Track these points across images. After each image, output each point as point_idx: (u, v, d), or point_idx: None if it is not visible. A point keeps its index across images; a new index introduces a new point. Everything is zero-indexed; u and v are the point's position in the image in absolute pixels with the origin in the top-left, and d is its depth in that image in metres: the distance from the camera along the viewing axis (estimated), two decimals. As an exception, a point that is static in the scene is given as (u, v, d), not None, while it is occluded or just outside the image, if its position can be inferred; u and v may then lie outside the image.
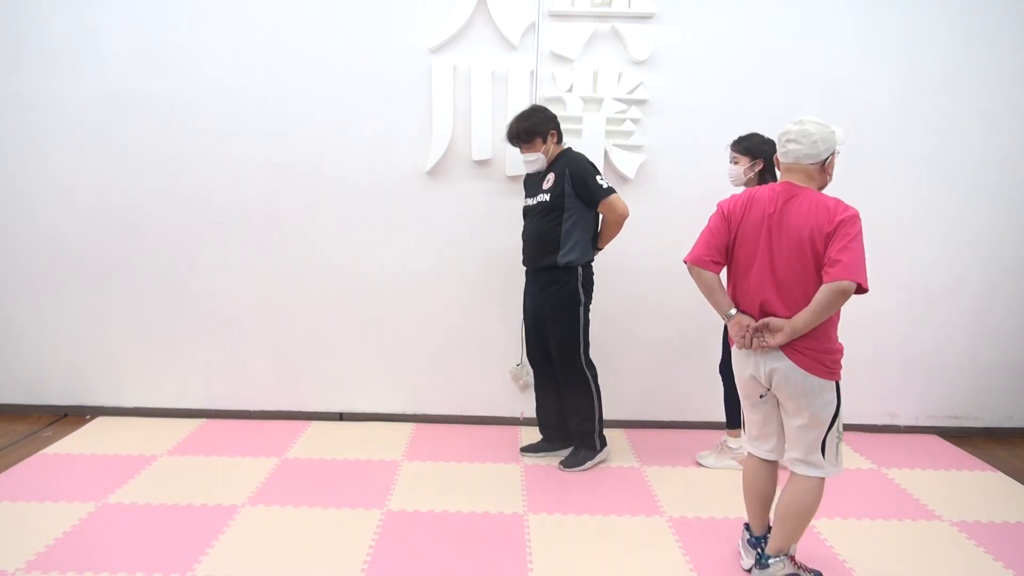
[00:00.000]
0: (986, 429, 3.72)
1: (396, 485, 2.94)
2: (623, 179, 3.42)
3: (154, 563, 2.30)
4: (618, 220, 2.95)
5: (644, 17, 3.31)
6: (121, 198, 3.46)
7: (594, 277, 3.08)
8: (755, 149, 2.82)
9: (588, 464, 3.12)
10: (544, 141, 2.96)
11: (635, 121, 3.38)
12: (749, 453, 2.34)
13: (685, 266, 2.23)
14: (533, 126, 2.93)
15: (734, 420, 3.08)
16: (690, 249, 2.22)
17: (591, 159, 3.37)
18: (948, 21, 3.35)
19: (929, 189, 3.49)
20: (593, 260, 3.06)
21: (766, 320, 2.12)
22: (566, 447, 3.21)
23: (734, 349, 2.25)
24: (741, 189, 2.65)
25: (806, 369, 2.17)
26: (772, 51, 3.36)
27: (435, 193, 3.46)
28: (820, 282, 2.08)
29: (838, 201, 2.06)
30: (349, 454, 3.23)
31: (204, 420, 3.62)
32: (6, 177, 3.45)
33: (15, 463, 3.05)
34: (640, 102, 3.37)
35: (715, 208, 2.26)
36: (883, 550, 2.51)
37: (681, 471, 3.14)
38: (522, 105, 3.34)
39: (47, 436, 3.39)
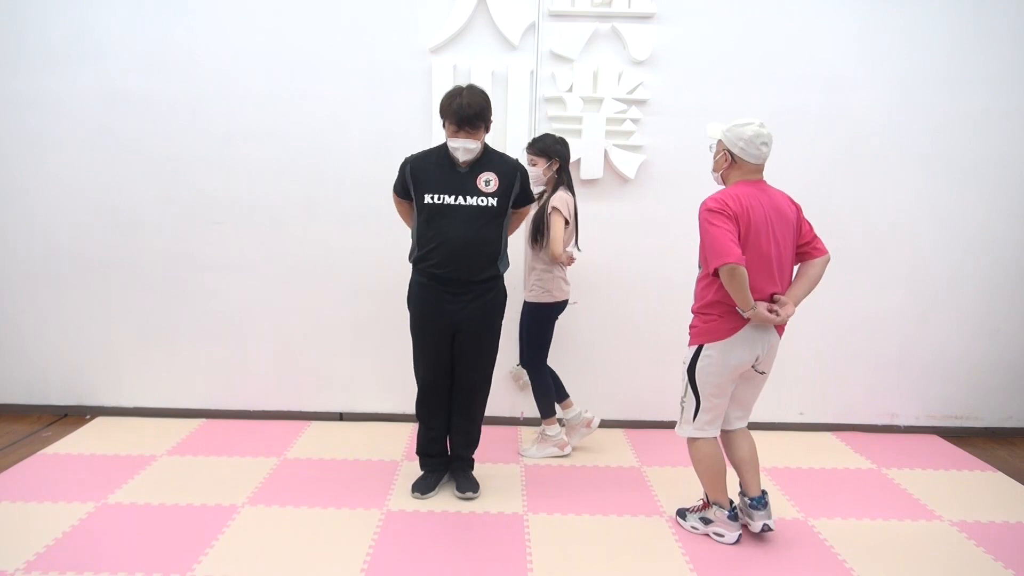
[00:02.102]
0: (986, 429, 3.72)
1: (396, 485, 2.94)
2: (623, 179, 3.43)
3: (154, 563, 2.30)
4: (522, 223, 2.97)
5: (644, 17, 3.31)
6: (121, 198, 3.46)
7: None
8: (549, 150, 3.01)
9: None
10: (487, 130, 2.62)
11: (635, 121, 3.38)
12: (704, 438, 2.51)
13: (724, 268, 2.24)
14: (486, 109, 2.55)
15: (548, 410, 3.24)
16: (718, 254, 2.24)
17: (587, 159, 3.39)
18: (947, 20, 3.35)
19: (928, 188, 3.49)
20: None
21: (782, 300, 2.38)
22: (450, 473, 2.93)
23: (733, 342, 2.37)
24: (540, 189, 3.03)
25: (780, 335, 2.47)
26: (772, 51, 3.36)
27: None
28: (795, 260, 2.45)
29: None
30: (349, 454, 3.23)
31: (204, 420, 3.62)
32: (6, 177, 3.45)
33: (15, 463, 3.05)
34: (640, 102, 3.37)
35: (706, 211, 2.32)
36: (883, 550, 2.51)
37: (681, 471, 3.14)
38: (522, 105, 3.36)
39: (47, 436, 3.39)
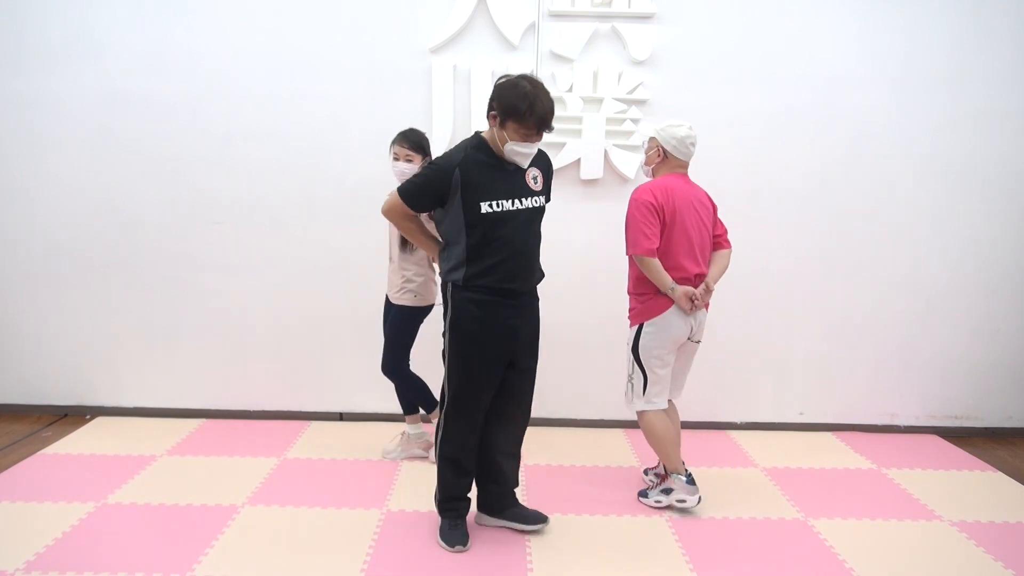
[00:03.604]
0: (986, 429, 3.72)
1: (396, 485, 2.93)
2: (623, 179, 3.43)
3: (154, 563, 2.30)
4: None
5: (644, 17, 3.31)
6: (121, 198, 3.46)
7: None
8: (424, 145, 2.92)
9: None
10: None
11: (635, 121, 3.38)
12: (654, 410, 2.71)
13: (636, 257, 2.58)
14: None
15: (411, 408, 3.17)
16: (633, 243, 2.59)
17: (587, 159, 3.39)
18: (947, 20, 3.35)
19: (928, 188, 3.49)
20: None
21: (706, 284, 2.65)
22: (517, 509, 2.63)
23: (668, 317, 2.61)
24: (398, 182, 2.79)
25: (706, 308, 2.74)
26: (772, 51, 3.36)
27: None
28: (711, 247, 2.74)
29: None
30: (349, 454, 3.23)
31: (204, 420, 3.62)
32: (6, 177, 3.45)
33: (15, 463, 3.05)
34: (640, 102, 3.37)
35: (634, 200, 2.61)
36: (883, 550, 2.51)
37: (681, 471, 3.14)
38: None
39: (47, 436, 3.38)
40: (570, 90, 3.36)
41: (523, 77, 2.26)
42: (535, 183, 2.38)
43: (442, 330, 2.44)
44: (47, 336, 3.59)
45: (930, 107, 3.41)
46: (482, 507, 2.62)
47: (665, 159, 2.68)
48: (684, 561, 2.41)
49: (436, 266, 2.77)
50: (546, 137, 3.41)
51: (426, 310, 3.04)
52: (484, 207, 2.24)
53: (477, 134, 2.38)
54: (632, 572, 2.34)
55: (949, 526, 2.70)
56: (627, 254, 2.65)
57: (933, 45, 3.37)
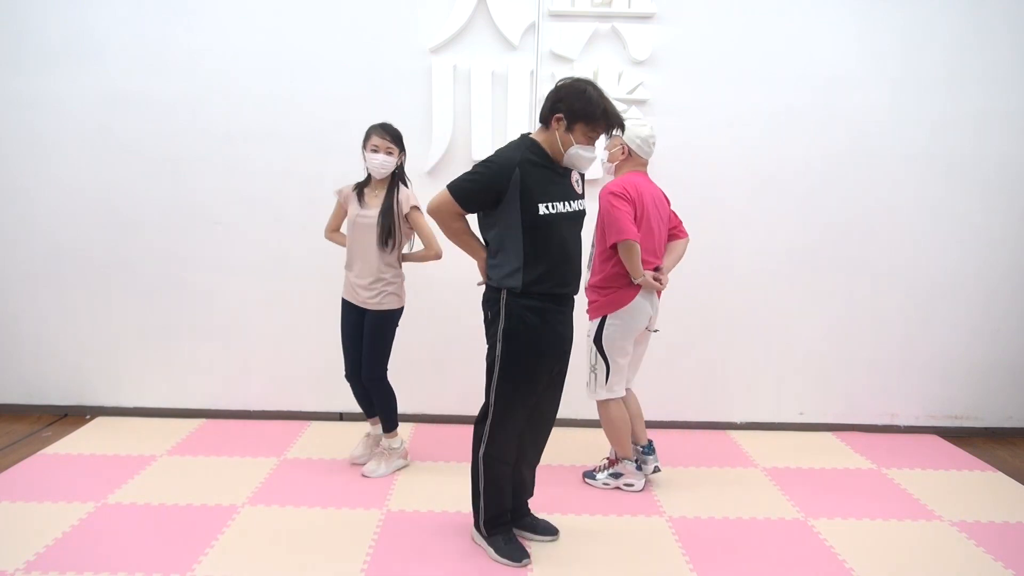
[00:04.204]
0: (986, 429, 3.72)
1: (396, 485, 2.94)
2: (623, 179, 3.43)
3: (154, 563, 2.30)
4: None
5: (644, 17, 3.31)
6: (121, 198, 3.46)
7: None
8: (401, 140, 2.87)
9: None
10: None
11: (635, 121, 3.38)
12: (614, 398, 2.85)
13: (623, 243, 2.63)
14: None
15: (390, 424, 3.03)
16: (619, 231, 2.64)
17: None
18: (946, 20, 3.35)
19: (928, 188, 3.49)
20: None
21: (662, 271, 2.81)
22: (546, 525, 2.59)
23: (632, 308, 2.74)
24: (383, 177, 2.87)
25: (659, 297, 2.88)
26: (772, 51, 3.36)
27: (435, 193, 3.45)
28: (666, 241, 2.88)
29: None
30: (349, 454, 3.23)
31: (204, 420, 3.62)
32: (6, 177, 3.45)
33: (15, 463, 3.05)
34: (640, 102, 3.37)
35: (609, 194, 2.68)
36: (883, 550, 2.51)
37: (681, 471, 3.14)
38: (522, 105, 3.36)
39: (47, 436, 3.38)
40: (570, 90, 3.35)
41: (586, 81, 2.25)
42: (578, 186, 2.35)
43: (491, 339, 2.29)
44: (47, 336, 3.59)
45: (930, 107, 3.41)
46: None
47: (629, 157, 2.78)
48: (684, 561, 2.41)
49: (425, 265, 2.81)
50: (546, 137, 3.43)
51: (402, 311, 2.97)
52: (542, 208, 2.18)
53: (526, 136, 2.31)
54: (632, 572, 2.34)
55: (949, 526, 2.70)
56: (610, 244, 2.66)
57: (933, 45, 3.37)
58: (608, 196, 2.67)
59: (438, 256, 2.93)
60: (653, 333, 2.93)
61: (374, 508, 2.72)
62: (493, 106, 3.36)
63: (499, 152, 2.26)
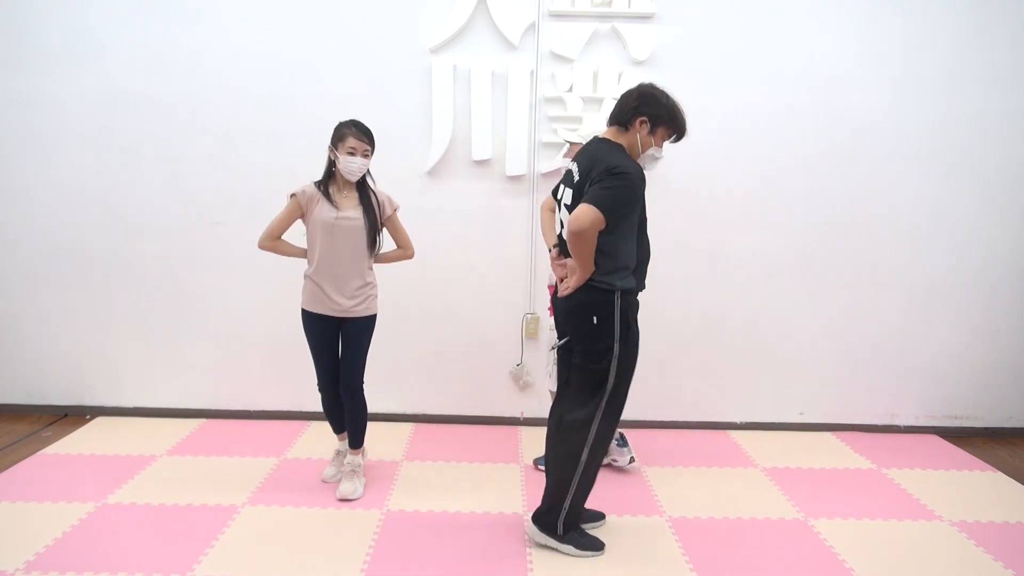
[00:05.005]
0: (986, 429, 3.72)
1: (396, 485, 2.94)
2: (623, 179, 3.42)
3: (154, 563, 2.30)
4: None
5: (644, 17, 3.31)
6: (121, 198, 3.46)
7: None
8: (374, 140, 2.76)
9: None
10: None
11: (635, 121, 3.37)
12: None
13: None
14: None
15: (360, 439, 2.88)
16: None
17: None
18: (946, 20, 3.35)
19: (928, 188, 3.49)
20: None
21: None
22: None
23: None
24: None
25: None
26: (771, 51, 3.36)
27: (435, 193, 3.46)
28: None
29: None
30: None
31: (204, 420, 3.62)
32: (6, 177, 3.45)
33: (15, 463, 3.05)
34: (640, 102, 3.37)
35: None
36: (883, 550, 2.51)
37: (681, 471, 3.14)
38: (522, 105, 3.36)
39: (47, 436, 3.38)
40: (570, 90, 3.36)
41: (656, 87, 2.33)
42: None
43: (600, 343, 2.29)
44: (47, 336, 3.59)
45: (930, 107, 3.41)
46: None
47: None
48: (684, 561, 2.41)
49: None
50: (547, 138, 3.45)
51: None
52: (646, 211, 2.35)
53: (609, 140, 2.32)
54: (632, 572, 2.34)
55: (949, 526, 2.70)
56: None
57: (933, 45, 3.37)
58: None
59: (413, 256, 2.90)
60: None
61: (374, 508, 2.72)
62: (493, 106, 3.36)
63: (623, 160, 2.22)
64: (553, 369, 2.92)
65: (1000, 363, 3.67)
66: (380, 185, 2.83)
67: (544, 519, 2.45)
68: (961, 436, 3.66)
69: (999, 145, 3.46)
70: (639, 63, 3.34)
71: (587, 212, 2.12)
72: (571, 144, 2.90)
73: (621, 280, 2.27)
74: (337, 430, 2.97)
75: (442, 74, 3.33)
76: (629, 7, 3.29)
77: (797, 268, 3.55)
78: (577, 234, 2.14)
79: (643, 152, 2.30)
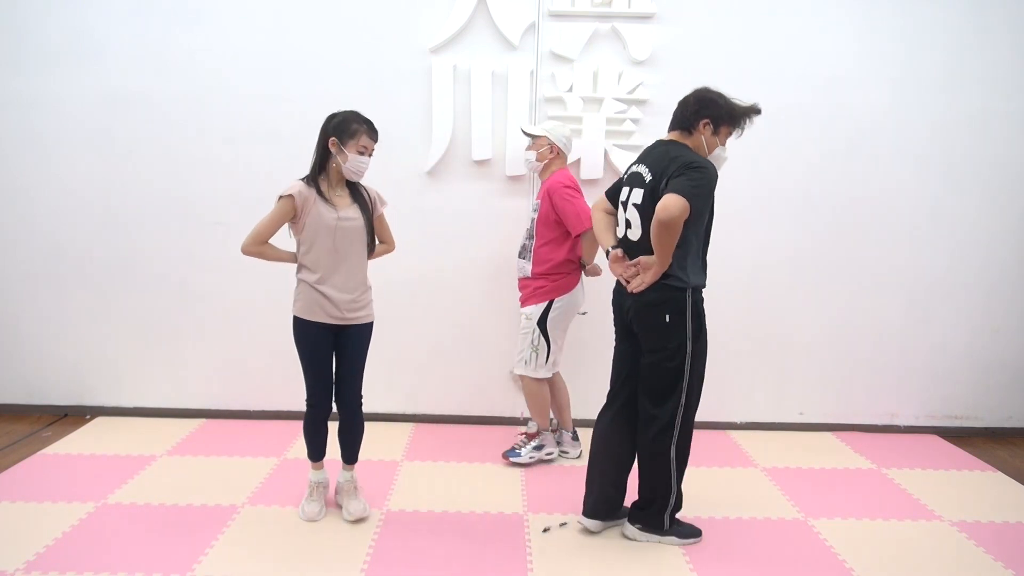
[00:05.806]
0: (986, 429, 3.72)
1: (396, 485, 2.94)
2: (623, 179, 3.43)
3: (154, 563, 2.30)
4: None
5: (644, 17, 3.31)
6: (121, 198, 3.46)
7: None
8: None
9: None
10: None
11: (635, 121, 3.38)
12: (547, 377, 3.10)
13: (589, 232, 2.82)
14: None
15: (356, 454, 2.74)
16: (582, 221, 2.85)
17: (587, 159, 3.39)
18: (946, 20, 3.35)
19: (927, 188, 3.49)
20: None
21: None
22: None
23: (576, 293, 3.05)
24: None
25: None
26: (772, 51, 3.36)
27: (435, 193, 3.46)
28: None
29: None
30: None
31: (204, 420, 3.62)
32: (6, 177, 3.45)
33: (15, 463, 3.05)
34: (640, 102, 3.37)
35: (564, 187, 2.89)
36: (883, 550, 2.51)
37: (681, 471, 3.14)
38: (522, 105, 3.36)
39: (47, 436, 3.38)
40: (570, 90, 3.36)
41: (711, 89, 2.40)
42: None
43: (673, 340, 2.33)
44: (47, 336, 3.59)
45: (930, 107, 3.41)
46: (598, 512, 2.58)
47: (556, 156, 3.01)
48: (684, 561, 2.41)
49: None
50: (546, 137, 3.42)
51: None
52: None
53: (678, 142, 2.37)
54: (632, 571, 2.34)
55: (949, 526, 2.70)
56: (576, 234, 2.90)
57: (933, 45, 3.37)
58: (559, 190, 2.89)
59: (394, 249, 2.78)
60: (581, 316, 3.21)
61: (374, 508, 2.72)
62: (493, 106, 3.36)
63: (693, 155, 2.30)
64: (530, 355, 3.04)
65: (1000, 363, 3.67)
66: (380, 186, 2.83)
67: (645, 518, 2.53)
68: (961, 436, 3.66)
69: (999, 145, 3.46)
70: (639, 63, 3.34)
71: (676, 201, 2.15)
72: (534, 138, 3.01)
73: (695, 277, 2.34)
74: (317, 456, 2.66)
75: (442, 74, 3.33)
76: (629, 7, 3.29)
77: (797, 268, 3.55)
78: (666, 223, 2.16)
79: (710, 152, 2.37)
